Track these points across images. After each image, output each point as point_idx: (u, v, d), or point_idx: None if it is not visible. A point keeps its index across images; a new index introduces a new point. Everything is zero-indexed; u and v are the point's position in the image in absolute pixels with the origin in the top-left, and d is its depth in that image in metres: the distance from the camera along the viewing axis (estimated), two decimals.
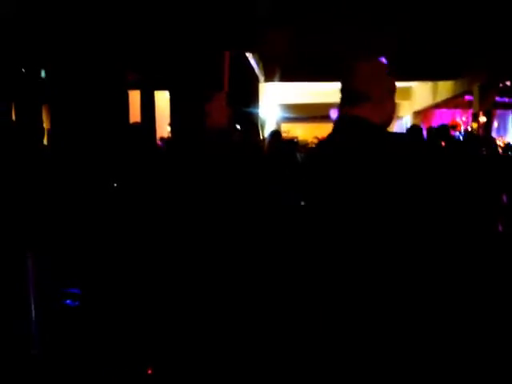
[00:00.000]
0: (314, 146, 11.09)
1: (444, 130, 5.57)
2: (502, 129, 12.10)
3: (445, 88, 11.41)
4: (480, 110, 9.71)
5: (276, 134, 6.00)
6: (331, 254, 1.50)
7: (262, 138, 8.95)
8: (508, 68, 8.70)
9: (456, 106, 12.90)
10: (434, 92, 12.07)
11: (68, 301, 3.04)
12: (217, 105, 2.57)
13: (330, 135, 1.61)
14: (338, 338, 1.50)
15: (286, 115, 14.30)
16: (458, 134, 11.32)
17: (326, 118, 15.04)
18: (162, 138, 6.60)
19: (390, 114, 1.55)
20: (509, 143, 7.38)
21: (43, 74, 4.28)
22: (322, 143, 1.66)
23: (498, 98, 10.14)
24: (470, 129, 10.06)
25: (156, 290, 2.90)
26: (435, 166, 1.54)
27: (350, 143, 1.50)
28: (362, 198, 1.44)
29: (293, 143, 8.04)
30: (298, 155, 8.51)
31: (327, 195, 1.53)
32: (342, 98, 1.60)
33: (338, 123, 1.61)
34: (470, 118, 10.63)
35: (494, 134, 10.06)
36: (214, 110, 2.56)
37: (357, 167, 1.45)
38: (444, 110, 13.94)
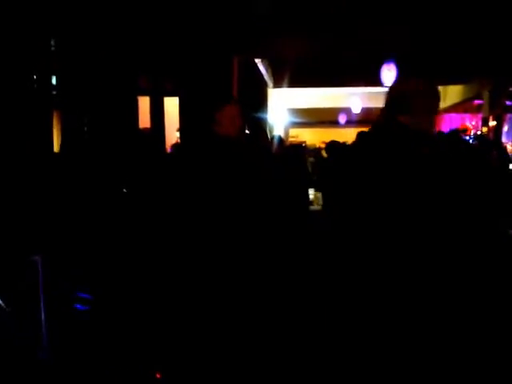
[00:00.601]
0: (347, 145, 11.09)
1: (455, 135, 5.58)
2: None
3: (454, 92, 11.37)
4: (490, 114, 9.66)
5: (280, 139, 6.02)
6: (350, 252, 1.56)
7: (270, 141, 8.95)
8: None
9: (465, 111, 12.82)
10: (444, 96, 12.02)
11: (78, 305, 3.06)
12: (228, 114, 2.56)
13: (370, 136, 1.76)
14: (339, 337, 1.53)
15: (294, 120, 14.30)
16: (467, 138, 11.24)
17: (334, 122, 15.07)
18: (173, 146, 6.63)
19: (429, 126, 1.73)
20: None
21: (54, 80, 4.33)
22: (362, 142, 1.79)
23: (507, 102, 10.08)
24: (479, 133, 9.99)
25: (165, 294, 2.91)
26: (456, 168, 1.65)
27: (388, 144, 1.66)
28: (390, 193, 1.56)
29: (301, 148, 8.04)
30: (309, 159, 8.51)
31: (359, 189, 1.65)
32: (388, 105, 1.76)
33: (379, 126, 1.76)
34: (480, 123, 10.57)
35: (503, 138, 9.99)
36: (224, 118, 2.55)
37: (392, 164, 1.59)
38: (453, 115, 13.86)
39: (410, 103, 1.68)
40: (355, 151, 1.82)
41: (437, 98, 1.75)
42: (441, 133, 5.19)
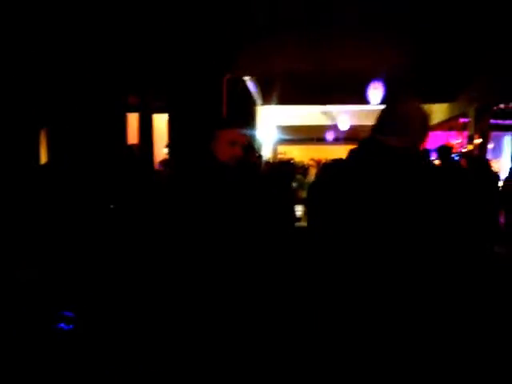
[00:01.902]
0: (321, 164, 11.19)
1: (446, 151, 5.69)
2: (497, 150, 12.18)
3: (440, 111, 11.54)
4: (475, 132, 9.80)
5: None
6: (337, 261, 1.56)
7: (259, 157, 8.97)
8: (502, 92, 8.82)
9: (451, 129, 13.00)
10: (430, 115, 12.19)
11: (62, 324, 3.01)
12: (227, 139, 2.47)
13: (353, 153, 1.74)
14: (337, 338, 1.52)
15: (283, 137, 14.39)
16: (453, 155, 11.34)
17: (321, 140, 15.19)
18: (161, 162, 6.62)
19: (418, 146, 1.74)
20: None
21: (41, 96, 4.31)
22: (344, 160, 1.77)
23: (492, 121, 10.25)
24: (464, 150, 10.13)
25: (152, 311, 2.87)
26: (449, 186, 1.64)
27: (369, 162, 1.65)
28: (377, 209, 1.55)
29: (290, 165, 8.08)
30: (297, 176, 8.55)
31: (343, 205, 1.63)
32: (378, 125, 1.74)
33: (365, 145, 1.74)
34: (465, 140, 10.73)
35: (489, 156, 10.13)
36: (219, 147, 2.48)
37: (378, 183, 1.58)
38: (439, 133, 14.05)
39: (403, 125, 1.67)
40: (340, 167, 1.81)
41: (427, 124, 1.76)
42: (425, 150, 5.24)
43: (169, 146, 5.81)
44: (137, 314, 3.00)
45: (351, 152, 1.77)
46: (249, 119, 9.21)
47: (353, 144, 2.01)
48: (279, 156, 15.33)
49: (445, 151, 5.82)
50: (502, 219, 5.89)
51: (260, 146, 11.12)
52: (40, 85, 4.20)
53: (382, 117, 1.75)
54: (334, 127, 13.67)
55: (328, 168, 1.88)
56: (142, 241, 3.34)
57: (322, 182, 1.87)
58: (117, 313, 3.13)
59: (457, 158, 8.80)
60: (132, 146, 5.34)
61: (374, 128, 1.75)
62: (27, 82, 3.92)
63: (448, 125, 12.30)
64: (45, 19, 3.88)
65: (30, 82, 3.98)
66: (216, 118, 4.92)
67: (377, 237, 1.52)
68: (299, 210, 7.40)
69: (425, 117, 1.75)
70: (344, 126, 13.10)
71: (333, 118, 13.12)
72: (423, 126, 1.75)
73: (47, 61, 4.10)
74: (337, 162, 1.83)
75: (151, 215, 3.35)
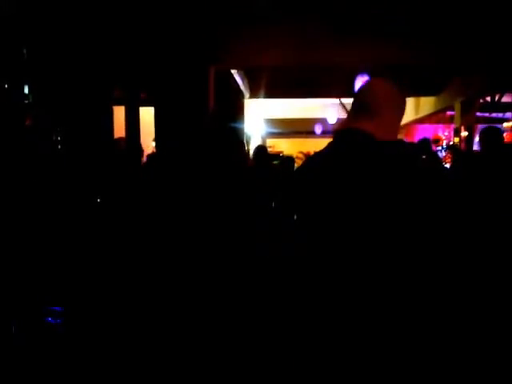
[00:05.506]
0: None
1: (426, 144, 5.73)
2: None
3: (427, 103, 11.61)
4: (461, 124, 9.89)
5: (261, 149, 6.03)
6: (328, 262, 1.51)
7: (247, 152, 8.98)
8: (487, 85, 8.91)
9: (438, 121, 13.11)
10: (417, 107, 12.27)
11: (49, 318, 3.00)
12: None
13: (327, 146, 1.64)
14: (336, 339, 1.49)
15: (271, 130, 14.40)
16: (440, 148, 11.45)
17: (310, 133, 15.21)
18: (149, 156, 6.58)
19: (394, 131, 1.60)
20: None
21: (26, 89, 4.27)
22: (317, 154, 1.68)
23: (478, 113, 10.34)
24: (451, 143, 10.22)
25: (140, 305, 2.88)
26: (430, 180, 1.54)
27: (345, 154, 1.52)
28: (353, 207, 1.46)
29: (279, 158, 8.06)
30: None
31: (318, 203, 1.55)
32: (352, 111, 1.62)
33: (339, 134, 1.62)
34: (452, 133, 10.81)
35: (475, 148, 10.23)
36: None
37: (349, 177, 1.47)
38: (426, 125, 14.16)
39: (372, 107, 1.55)
40: (312, 160, 1.74)
41: (400, 98, 1.59)
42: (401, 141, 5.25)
43: (156, 139, 5.79)
44: (126, 308, 3.00)
45: (328, 144, 1.68)
46: (236, 112, 9.20)
47: None
48: (268, 149, 15.32)
49: (425, 144, 5.85)
50: None
51: (248, 139, 11.12)
52: (24, 79, 4.15)
53: (353, 102, 1.63)
54: (323, 120, 13.70)
55: (304, 163, 1.81)
56: (128, 235, 3.33)
57: (295, 176, 1.80)
58: (105, 307, 3.13)
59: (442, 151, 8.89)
60: (119, 139, 5.31)
61: (348, 116, 1.65)
62: (12, 74, 3.88)
63: (436, 117, 12.40)
64: (28, 14, 3.83)
65: (15, 75, 3.94)
66: (203, 111, 4.91)
67: (350, 231, 1.46)
68: None
69: (396, 93, 1.57)
70: (332, 119, 13.14)
71: (321, 111, 13.16)
72: (396, 102, 1.58)
73: (33, 54, 4.06)
74: (314, 155, 1.76)
75: (139, 210, 3.35)
